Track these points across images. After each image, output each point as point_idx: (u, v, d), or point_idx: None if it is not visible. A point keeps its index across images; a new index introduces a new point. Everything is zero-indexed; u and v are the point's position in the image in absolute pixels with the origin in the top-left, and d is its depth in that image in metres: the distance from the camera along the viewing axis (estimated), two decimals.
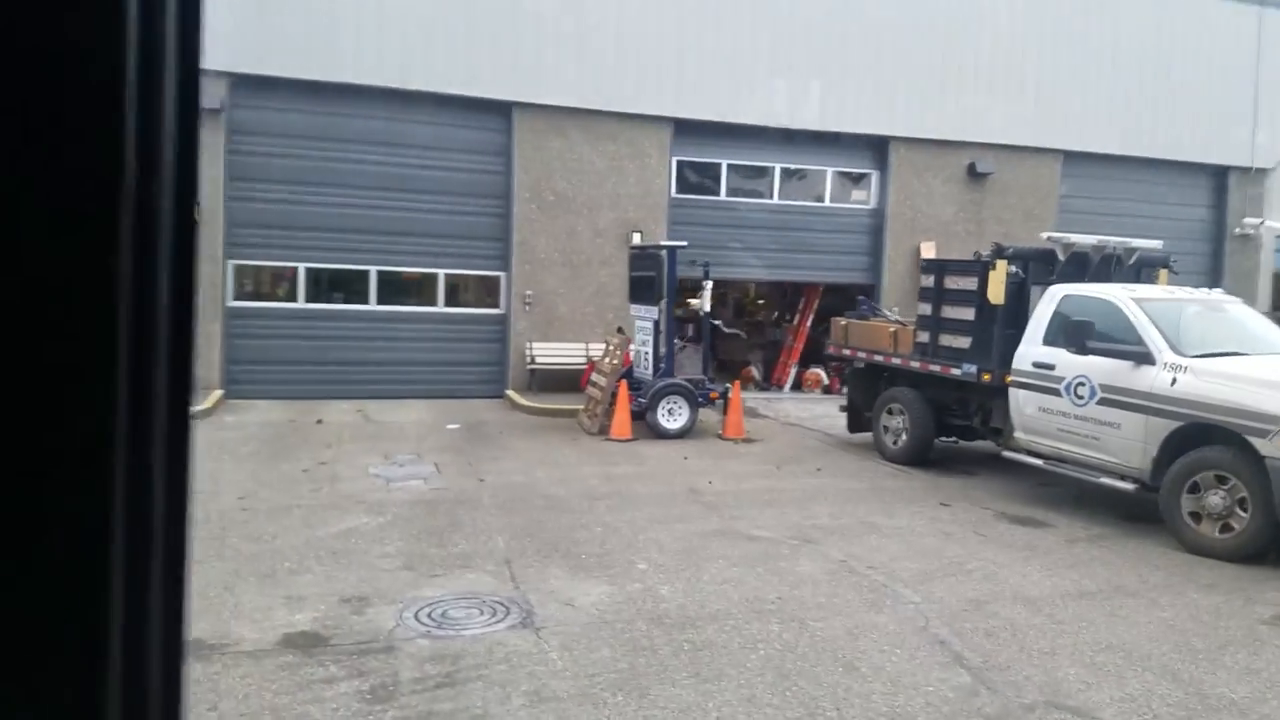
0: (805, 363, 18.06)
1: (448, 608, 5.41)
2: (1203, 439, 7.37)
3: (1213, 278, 19.02)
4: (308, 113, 14.11)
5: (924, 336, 10.07)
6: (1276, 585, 6.63)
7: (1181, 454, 7.47)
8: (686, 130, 15.79)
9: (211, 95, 13.30)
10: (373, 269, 14.66)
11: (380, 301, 14.74)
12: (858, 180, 17.35)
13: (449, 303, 15.14)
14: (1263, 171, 19.63)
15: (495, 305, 15.38)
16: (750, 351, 17.95)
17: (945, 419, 10.31)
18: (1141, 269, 9.96)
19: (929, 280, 10.20)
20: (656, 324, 12.11)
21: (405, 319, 14.87)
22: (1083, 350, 8.05)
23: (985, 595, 6.23)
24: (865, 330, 11.48)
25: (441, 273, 15.05)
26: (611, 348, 12.37)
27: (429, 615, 5.29)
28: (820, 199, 17.19)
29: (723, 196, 16.57)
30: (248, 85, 13.64)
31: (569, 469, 9.60)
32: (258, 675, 4.40)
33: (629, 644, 5.06)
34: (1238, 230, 19.72)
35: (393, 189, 14.54)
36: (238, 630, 4.92)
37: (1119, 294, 8.47)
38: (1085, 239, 9.76)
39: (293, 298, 14.33)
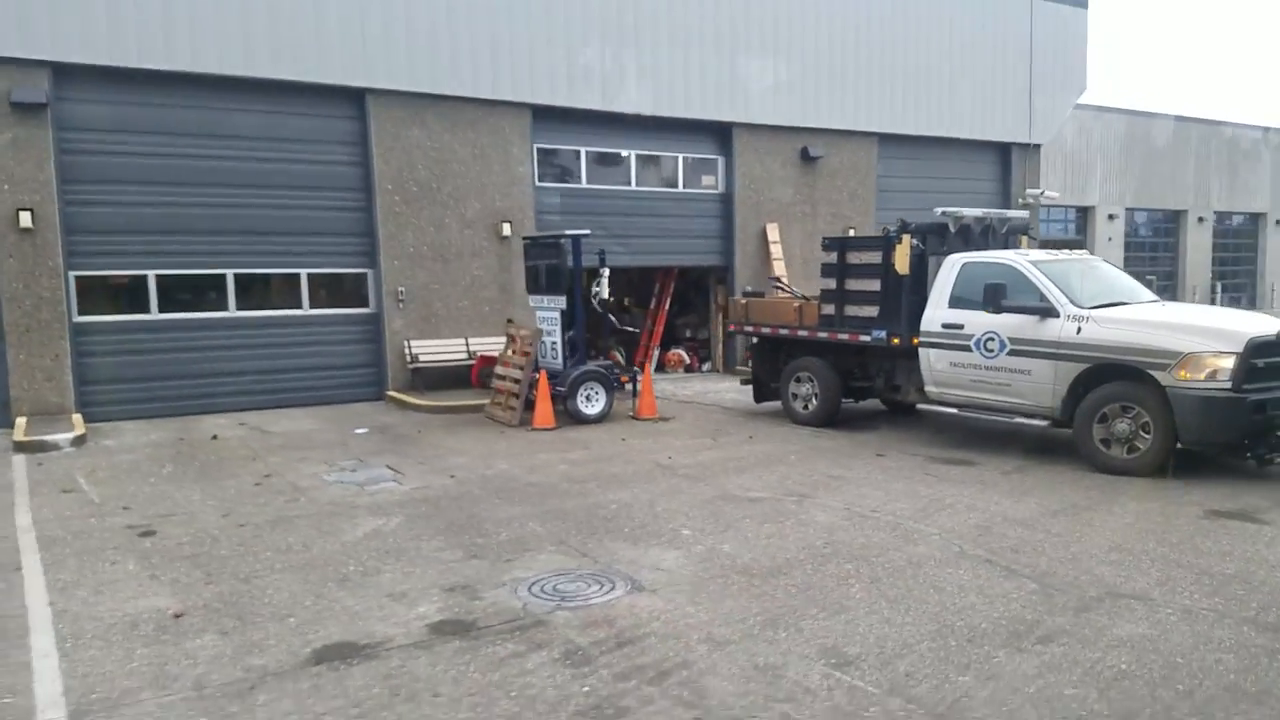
0: (665, 345, 18.72)
1: (554, 584, 5.41)
2: (1107, 377, 8.58)
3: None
4: (144, 105, 12.86)
5: (829, 309, 10.86)
6: (1190, 491, 7.89)
7: (1088, 392, 8.65)
8: (546, 117, 15.85)
9: (33, 89, 11.86)
10: (229, 272, 13.62)
11: (240, 307, 13.73)
12: (706, 165, 18.13)
13: (314, 304, 14.34)
14: (1038, 147, 22.46)
15: (365, 304, 14.75)
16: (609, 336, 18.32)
17: (848, 383, 11.17)
18: (1009, 236, 11.24)
19: (831, 257, 10.97)
20: (564, 313, 12.18)
21: (270, 324, 13.96)
22: (999, 309, 9.06)
23: (983, 521, 6.99)
24: (767, 306, 12.16)
25: (304, 272, 14.23)
26: (518, 340, 12.30)
27: (543, 591, 5.27)
28: (673, 184, 17.81)
29: (584, 184, 16.78)
30: (75, 76, 12.24)
31: (525, 459, 9.55)
32: (445, 662, 4.28)
33: (742, 593, 5.31)
34: (1021, 200, 22.38)
35: (245, 185, 13.59)
36: (377, 629, 4.70)
37: (1016, 259, 9.60)
38: (971, 212, 10.88)
39: (144, 308, 13.04)
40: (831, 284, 10.85)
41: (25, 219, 11.94)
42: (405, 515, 7.11)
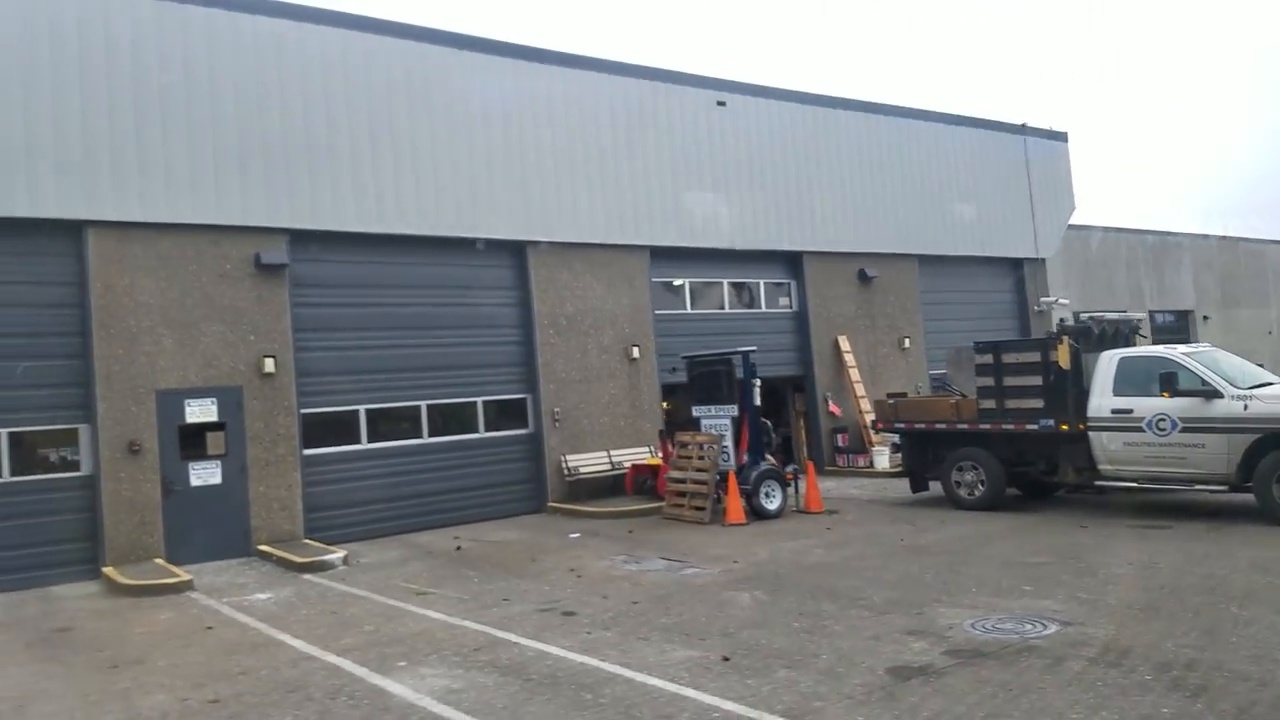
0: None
1: (993, 622, 7.26)
2: (1272, 445, 10.78)
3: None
4: (356, 263, 14.86)
5: (989, 403, 13.10)
6: None
7: (1262, 456, 10.78)
8: (659, 255, 18.23)
9: (276, 252, 13.79)
10: (423, 403, 15.41)
11: (431, 434, 15.47)
12: (781, 288, 20.64)
13: (487, 428, 16.13)
14: (1043, 260, 25.63)
15: (525, 425, 16.58)
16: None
17: (1009, 470, 13.22)
18: (1130, 334, 13.54)
19: (986, 359, 13.26)
20: (735, 420, 14.23)
21: (455, 447, 15.67)
22: (1175, 393, 11.21)
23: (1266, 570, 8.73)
24: (918, 405, 14.39)
25: (479, 400, 16.07)
26: (697, 447, 14.24)
27: (995, 627, 7.14)
28: (756, 305, 20.24)
29: (688, 310, 19.09)
30: (306, 240, 14.21)
31: (768, 546, 11.39)
32: (1006, 670, 6.09)
33: (1153, 619, 7.17)
34: (1036, 307, 25.40)
35: (431, 327, 15.55)
36: (908, 658, 6.50)
37: (1169, 352, 11.94)
38: (1109, 315, 13.27)
39: (356, 439, 14.71)
40: (989, 381, 13.07)
41: (269, 365, 13.67)
42: (754, 590, 8.93)
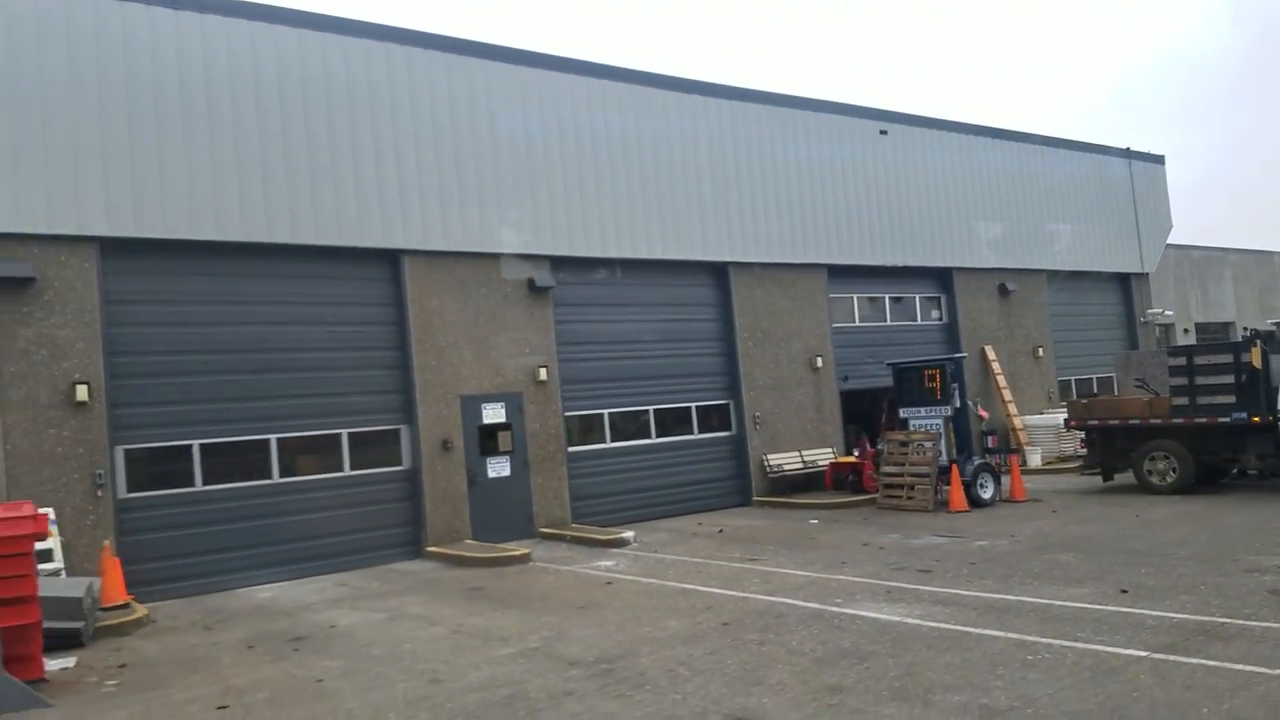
0: None
1: None
2: None
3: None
4: (596, 285, 16.85)
5: (1182, 400, 14.97)
6: None
7: None
8: (835, 273, 20.16)
9: (546, 275, 15.77)
10: (650, 408, 17.36)
11: (658, 435, 17.41)
12: (933, 302, 22.53)
13: (701, 430, 18.05)
14: (1147, 275, 27.45)
15: (729, 428, 18.49)
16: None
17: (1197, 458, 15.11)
18: None
19: (1180, 361, 15.15)
20: (948, 419, 16.11)
21: (674, 447, 17.59)
22: None
23: None
24: (1111, 404, 16.27)
25: (693, 405, 18.00)
26: (916, 443, 16.09)
27: None
28: (912, 318, 22.14)
29: (856, 323, 20.99)
30: (562, 264, 16.20)
31: (1014, 526, 13.22)
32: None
33: None
34: (1142, 319, 27.23)
35: (655, 340, 17.51)
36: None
37: None
38: None
39: (602, 439, 16.66)
40: (1183, 381, 14.97)
41: (542, 374, 15.66)
42: (1065, 553, 10.78)
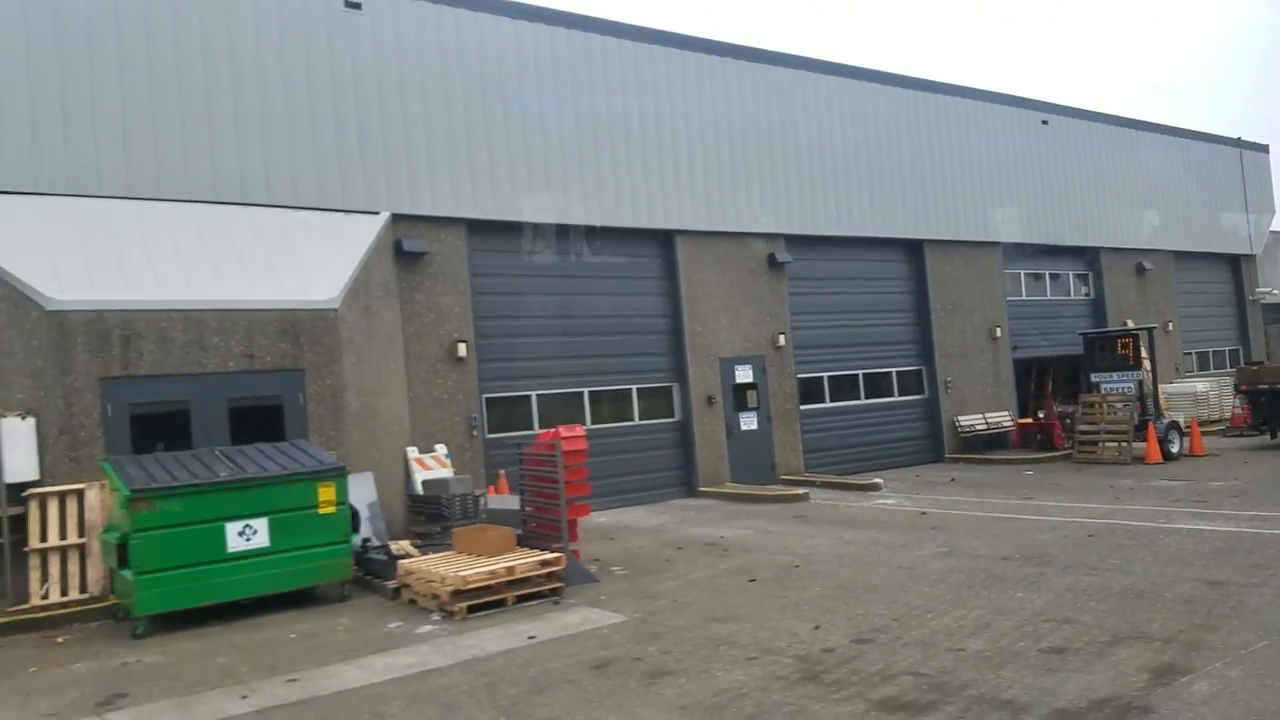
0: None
1: None
2: None
3: (1242, 330, 28.44)
4: (828, 260, 18.89)
5: None
6: None
7: None
8: (1009, 251, 22.12)
9: (783, 252, 17.81)
10: (860, 372, 19.45)
11: (866, 396, 19.50)
12: (1082, 279, 24.46)
13: (900, 393, 20.13)
14: (1254, 256, 29.32)
15: (921, 391, 20.55)
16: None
17: None
18: None
19: None
20: (1140, 384, 18.13)
21: (878, 408, 19.67)
22: None
23: None
24: (1277, 370, 18.34)
25: (894, 371, 20.07)
26: (1108, 404, 18.11)
27: None
28: (1067, 294, 24.10)
29: (1024, 297, 22.97)
30: (795, 242, 18.23)
31: (1231, 471, 15.27)
32: None
33: None
34: (1251, 297, 29.10)
35: (859, 311, 19.54)
36: None
37: None
38: None
39: (821, 399, 18.75)
40: None
41: (781, 340, 17.75)
42: None
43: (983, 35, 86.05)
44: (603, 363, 15.91)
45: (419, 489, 12.75)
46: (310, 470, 9.51)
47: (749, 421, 17.39)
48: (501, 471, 13.78)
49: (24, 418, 9.68)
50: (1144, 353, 18.41)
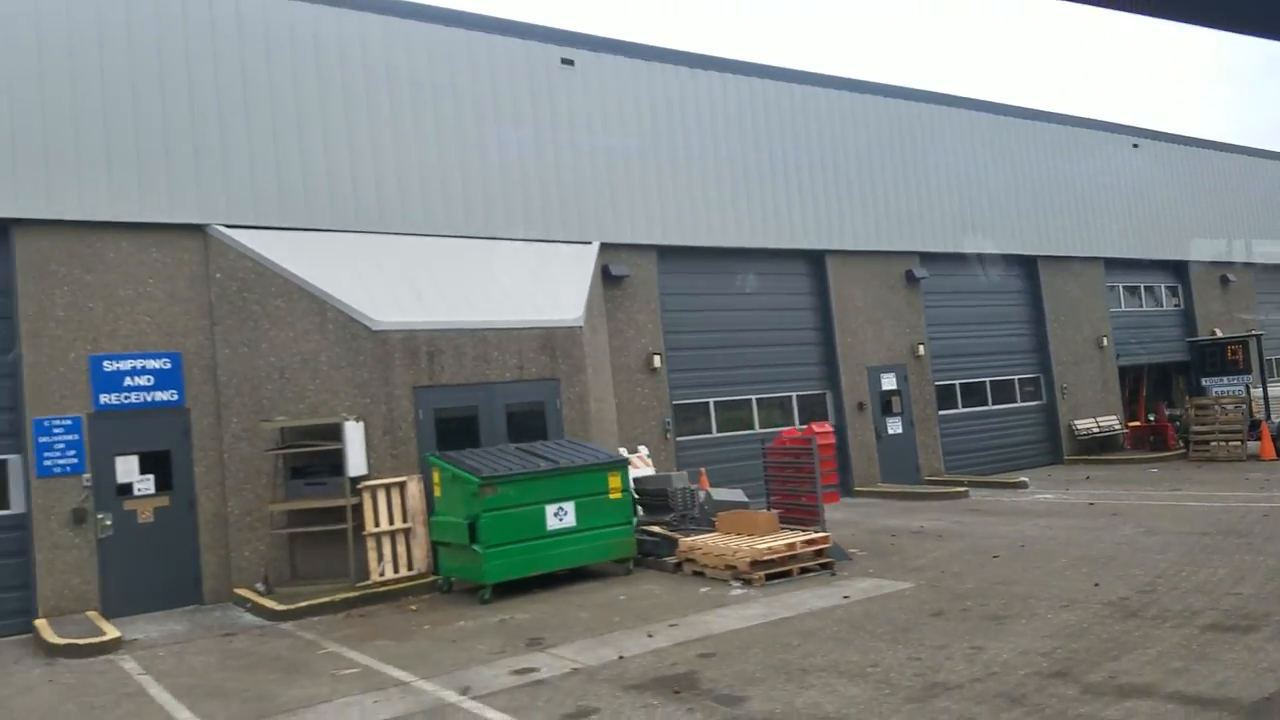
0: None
1: None
2: None
3: None
4: (957, 275, 20.39)
5: None
6: None
7: None
8: (1110, 265, 23.55)
9: (919, 268, 19.33)
10: (987, 380, 20.91)
11: (994, 402, 20.95)
12: (1173, 291, 25.82)
13: (1022, 399, 21.55)
14: None
15: (1039, 398, 21.96)
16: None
17: None
18: None
19: None
20: (1248, 387, 19.47)
21: (1001, 414, 21.10)
22: None
23: None
24: None
25: (1015, 378, 21.52)
26: (1222, 407, 19.45)
27: None
28: (1160, 305, 25.46)
29: (1122, 308, 24.35)
30: (933, 261, 19.77)
31: None
32: None
33: None
34: None
35: (981, 322, 21.01)
36: None
37: None
38: None
39: (954, 405, 20.21)
40: None
41: (920, 350, 19.26)
42: None
43: (1073, 59, 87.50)
44: (766, 371, 17.46)
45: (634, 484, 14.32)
46: (602, 462, 11.12)
47: (894, 426, 18.86)
48: (702, 469, 15.33)
49: (356, 421, 11.34)
50: (1254, 359, 19.74)
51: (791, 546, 10.31)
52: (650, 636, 8.06)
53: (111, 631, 9.55)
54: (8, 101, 10.68)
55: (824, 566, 10.49)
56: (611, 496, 11.09)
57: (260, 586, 11.23)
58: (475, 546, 10.13)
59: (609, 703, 6.31)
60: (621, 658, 7.44)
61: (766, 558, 10.05)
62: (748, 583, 9.99)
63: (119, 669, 8.50)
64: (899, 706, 5.83)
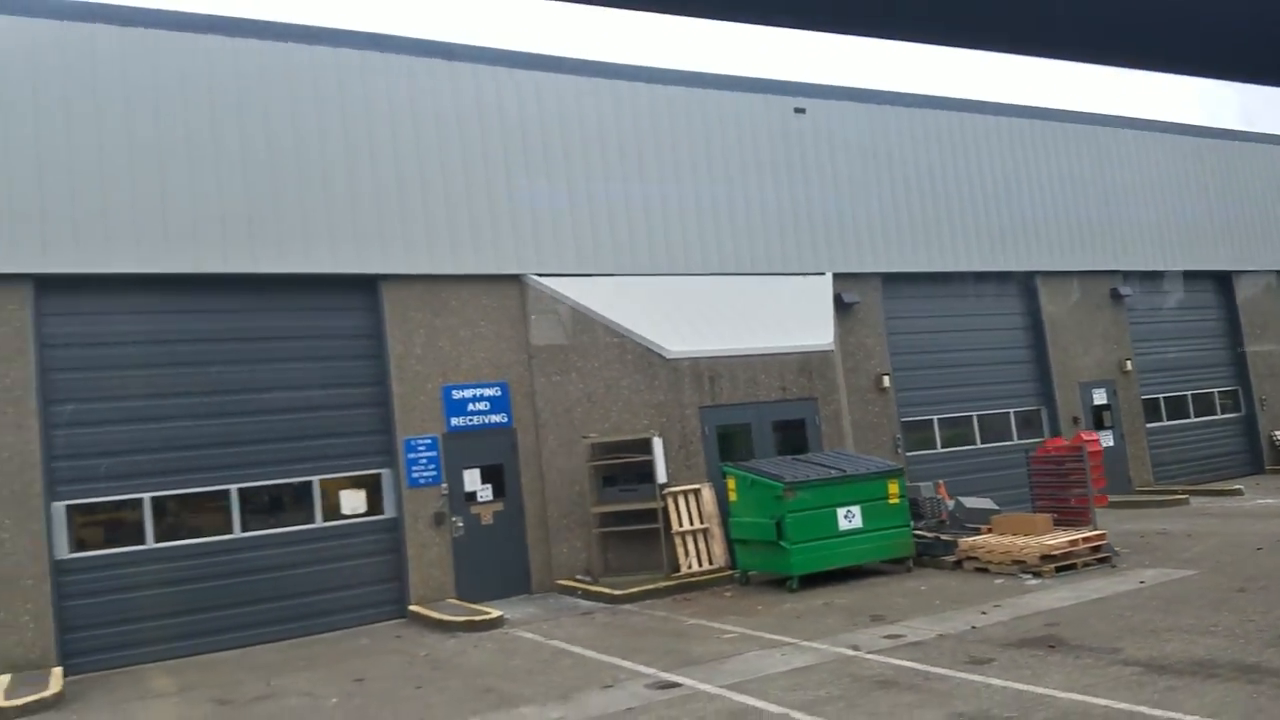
0: None
1: None
2: None
3: None
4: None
5: None
6: None
7: None
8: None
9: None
10: (1189, 393, 21.28)
11: (1168, 418, 21.30)
12: None
13: (1222, 411, 21.80)
14: None
15: (1239, 409, 22.15)
16: None
17: None
18: None
19: None
20: None
21: (1198, 426, 21.40)
22: None
23: None
24: None
25: (1215, 391, 21.80)
26: None
27: None
28: None
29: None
30: (1134, 279, 20.44)
31: None
32: None
33: None
34: None
35: (1173, 339, 21.41)
36: None
37: None
38: None
39: (1159, 418, 20.70)
40: None
41: (1128, 365, 19.91)
42: None
43: None
44: (984, 389, 18.53)
45: None
46: (883, 470, 12.55)
47: (1105, 439, 19.54)
48: (940, 481, 16.51)
49: (657, 436, 13.12)
50: None
51: (1074, 543, 11.44)
52: (984, 613, 9.39)
53: (493, 611, 11.52)
54: (384, 178, 13.00)
55: (1101, 561, 11.57)
56: (891, 501, 12.47)
57: (584, 577, 13.09)
58: (782, 543, 11.67)
59: (998, 655, 7.70)
60: (974, 627, 8.81)
61: (1054, 552, 11.22)
62: (1038, 574, 11.17)
63: (522, 638, 10.38)
64: (1260, 650, 7.01)
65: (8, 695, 9.17)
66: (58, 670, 10.16)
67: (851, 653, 8.25)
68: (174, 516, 11.59)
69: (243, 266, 12.06)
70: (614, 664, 8.66)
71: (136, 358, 11.59)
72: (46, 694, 9.20)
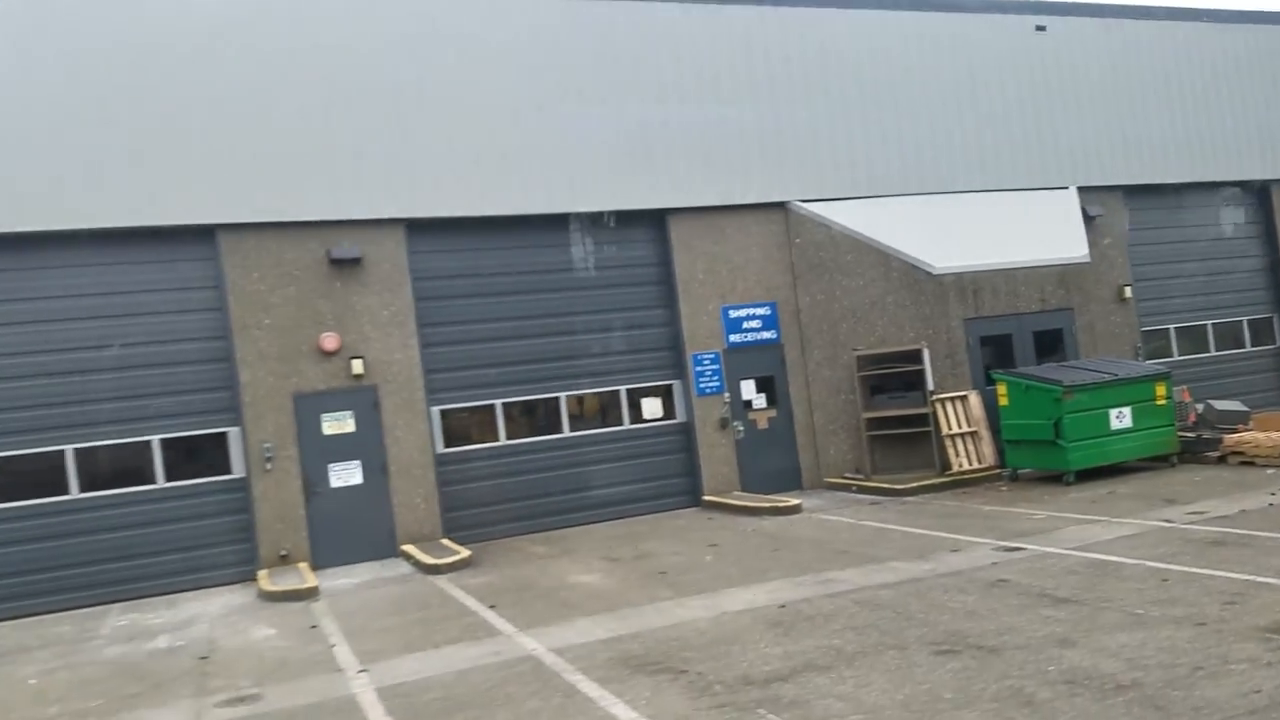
0: None
1: None
2: None
3: None
4: None
5: None
6: None
7: None
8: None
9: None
10: None
11: None
12: None
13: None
14: None
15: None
16: None
17: None
18: None
19: None
20: None
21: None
22: None
23: None
24: None
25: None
26: None
27: None
28: None
29: None
30: None
31: None
32: None
33: None
34: None
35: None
36: None
37: None
38: None
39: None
40: None
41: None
42: None
43: None
44: (1216, 299, 18.65)
45: None
46: (1152, 374, 13.30)
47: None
48: (1184, 387, 16.97)
49: (923, 349, 14.25)
50: None
51: None
52: (1274, 494, 10.23)
53: (791, 499, 13.14)
54: (673, 122, 14.43)
55: None
56: (1158, 403, 13.23)
57: (856, 474, 14.52)
58: (1060, 441, 12.68)
59: None
60: (1272, 505, 9.69)
61: None
62: None
63: (830, 520, 11.91)
64: None
65: (432, 557, 11.46)
66: (446, 541, 12.50)
67: (1167, 524, 9.31)
68: (516, 420, 13.71)
69: (554, 208, 13.84)
70: (944, 536, 10.01)
71: (469, 288, 13.65)
72: (458, 557, 11.42)
